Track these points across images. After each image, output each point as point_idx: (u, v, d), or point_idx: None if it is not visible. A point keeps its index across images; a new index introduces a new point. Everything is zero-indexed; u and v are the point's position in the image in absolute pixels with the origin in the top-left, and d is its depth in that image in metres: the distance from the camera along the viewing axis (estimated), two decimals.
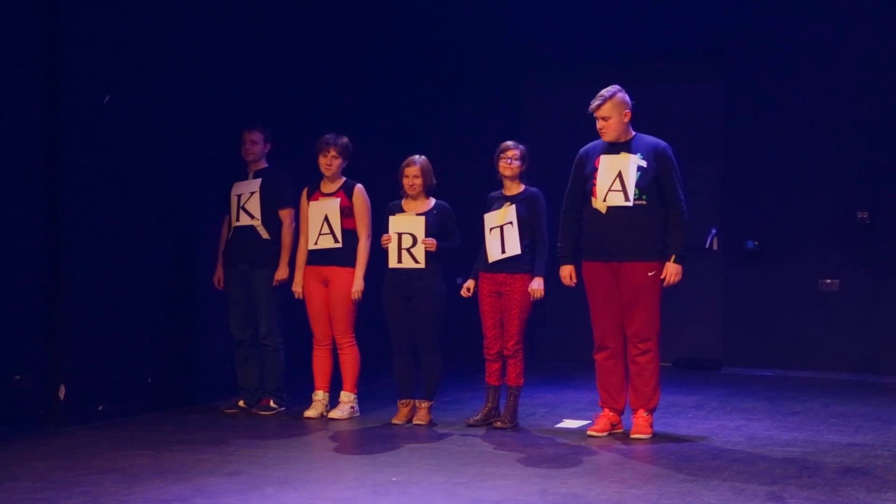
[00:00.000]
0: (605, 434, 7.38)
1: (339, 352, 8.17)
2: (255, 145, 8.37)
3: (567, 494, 5.88)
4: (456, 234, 7.96)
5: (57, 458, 6.73)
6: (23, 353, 7.59)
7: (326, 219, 8.06)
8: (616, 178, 7.32)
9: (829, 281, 10.26)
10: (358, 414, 8.16)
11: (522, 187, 7.84)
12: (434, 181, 7.94)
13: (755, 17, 10.47)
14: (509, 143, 7.84)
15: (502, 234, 7.70)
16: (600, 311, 7.44)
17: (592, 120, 7.37)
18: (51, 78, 7.72)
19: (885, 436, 7.44)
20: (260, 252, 8.31)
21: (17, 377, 7.55)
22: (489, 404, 7.84)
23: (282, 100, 9.57)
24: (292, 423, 7.96)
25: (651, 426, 7.37)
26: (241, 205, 8.33)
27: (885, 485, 6.07)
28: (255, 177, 8.37)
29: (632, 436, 7.32)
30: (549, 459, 6.73)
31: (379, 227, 8.08)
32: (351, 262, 8.06)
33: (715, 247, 10.82)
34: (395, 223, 7.85)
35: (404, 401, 7.94)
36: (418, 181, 7.85)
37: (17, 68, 7.60)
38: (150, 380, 8.32)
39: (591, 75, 11.30)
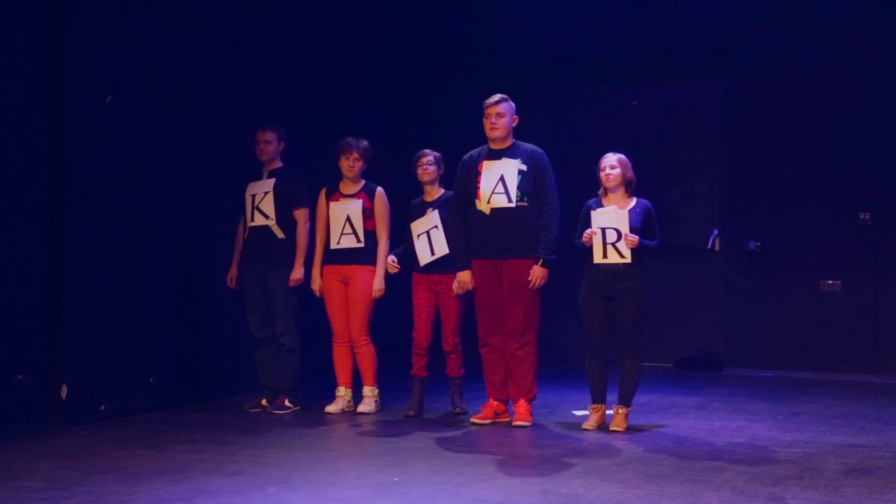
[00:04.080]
0: (488, 422, 7.82)
1: (355, 350, 8.34)
2: (269, 145, 8.40)
3: (569, 495, 5.88)
4: (657, 234, 7.68)
5: (59, 458, 6.74)
6: (25, 352, 7.59)
7: (349, 219, 8.22)
8: (499, 181, 7.69)
9: (830, 282, 10.25)
10: (380, 408, 8.35)
11: (441, 191, 8.20)
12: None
13: (757, 17, 10.46)
14: (425, 150, 8.22)
15: (429, 238, 8.11)
16: (483, 308, 7.82)
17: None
18: (53, 77, 7.71)
19: (888, 437, 7.44)
20: (275, 252, 8.35)
21: (20, 377, 7.55)
22: (418, 394, 8.24)
23: (286, 99, 9.57)
24: (295, 423, 7.96)
25: (531, 414, 7.80)
26: (256, 205, 8.38)
27: (886, 486, 6.07)
28: (270, 176, 8.43)
29: (514, 423, 7.75)
30: (551, 460, 6.73)
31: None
32: (372, 262, 8.27)
33: (717, 248, 10.81)
34: (599, 218, 7.53)
35: (596, 406, 7.71)
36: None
37: (20, 68, 7.59)
38: (151, 379, 8.33)
39: (592, 76, 11.34)
